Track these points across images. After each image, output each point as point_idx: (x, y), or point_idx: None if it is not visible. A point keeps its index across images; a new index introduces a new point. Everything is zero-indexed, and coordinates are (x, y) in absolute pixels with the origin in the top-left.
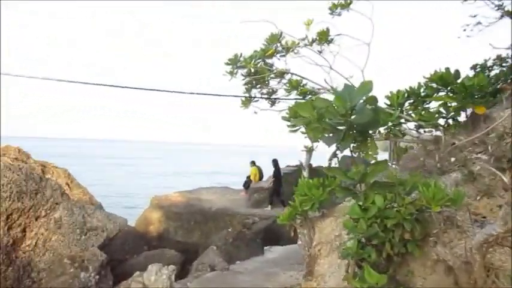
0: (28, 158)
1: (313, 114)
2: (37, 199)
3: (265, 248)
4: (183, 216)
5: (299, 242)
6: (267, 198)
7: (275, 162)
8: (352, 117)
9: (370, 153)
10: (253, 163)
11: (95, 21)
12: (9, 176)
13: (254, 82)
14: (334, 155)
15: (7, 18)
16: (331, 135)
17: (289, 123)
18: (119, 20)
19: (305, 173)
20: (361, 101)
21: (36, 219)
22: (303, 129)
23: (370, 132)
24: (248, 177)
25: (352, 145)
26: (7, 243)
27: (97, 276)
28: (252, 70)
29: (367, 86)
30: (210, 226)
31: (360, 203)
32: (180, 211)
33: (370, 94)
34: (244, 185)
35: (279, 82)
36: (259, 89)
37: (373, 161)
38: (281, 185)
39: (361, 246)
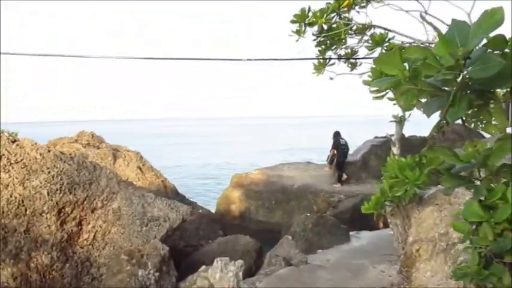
0: (101, 142)
1: (404, 71)
2: (91, 189)
3: (351, 233)
4: (263, 195)
5: (391, 232)
6: (334, 175)
7: (335, 134)
8: (468, 69)
9: (494, 123)
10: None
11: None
12: (60, 166)
13: (328, 42)
14: (438, 128)
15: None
16: (432, 100)
17: (372, 89)
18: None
19: (395, 149)
20: (481, 43)
21: (92, 212)
22: (390, 94)
23: (497, 91)
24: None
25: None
26: (61, 238)
27: (157, 273)
28: (325, 27)
29: (493, 16)
30: (293, 205)
31: (482, 198)
32: (260, 189)
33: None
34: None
35: (359, 40)
36: (334, 50)
37: (496, 136)
38: (344, 157)
39: (484, 263)
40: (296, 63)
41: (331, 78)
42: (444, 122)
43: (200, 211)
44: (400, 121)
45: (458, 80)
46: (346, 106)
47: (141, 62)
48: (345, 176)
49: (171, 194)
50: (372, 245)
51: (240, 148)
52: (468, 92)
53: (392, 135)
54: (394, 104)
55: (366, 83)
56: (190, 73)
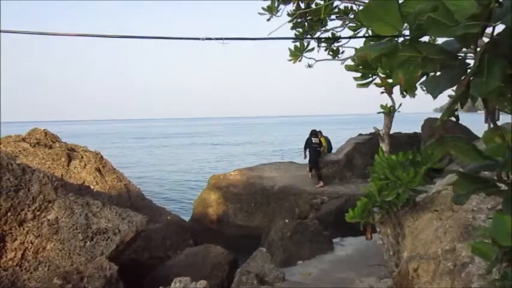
0: (55, 141)
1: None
2: (18, 197)
3: (335, 240)
4: (242, 197)
5: (380, 242)
6: (315, 175)
7: (310, 133)
8: (501, 20)
9: None
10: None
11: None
12: None
13: (306, 24)
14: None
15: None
16: (442, 71)
17: (357, 75)
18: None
19: (384, 145)
20: None
21: (20, 225)
22: (377, 80)
23: None
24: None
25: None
26: None
27: None
28: (302, 5)
29: None
30: (274, 208)
31: None
32: (239, 191)
33: None
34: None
35: (342, 24)
36: (313, 34)
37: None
38: (316, 156)
39: None
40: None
41: (309, 66)
42: (456, 106)
43: (168, 218)
44: (389, 112)
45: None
46: (330, 103)
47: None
48: (321, 183)
49: (136, 199)
50: (358, 254)
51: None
52: (500, 56)
53: (380, 129)
54: (382, 92)
55: (348, 68)
56: (184, 71)
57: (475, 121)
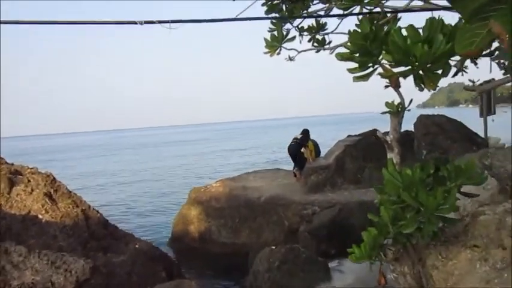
0: None
1: None
2: None
3: (332, 265)
4: (225, 212)
5: (393, 284)
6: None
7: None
8: None
9: None
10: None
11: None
12: None
13: (284, 7)
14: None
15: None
16: None
17: (352, 66)
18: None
19: (393, 155)
20: None
21: None
22: (380, 69)
23: None
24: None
25: None
26: None
27: None
28: None
29: None
30: (260, 221)
31: None
32: (221, 205)
33: None
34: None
35: (328, 7)
36: (293, 20)
37: None
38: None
39: None
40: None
41: (290, 59)
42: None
43: (137, 246)
44: (397, 111)
45: None
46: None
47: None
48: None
49: (96, 227)
50: (361, 284)
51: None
52: None
53: (386, 133)
54: (387, 86)
55: (340, 56)
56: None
57: (461, 115)
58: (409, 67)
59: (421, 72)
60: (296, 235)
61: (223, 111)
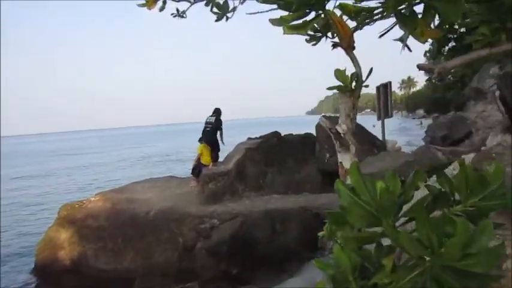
0: None
1: None
2: None
3: None
4: (106, 232)
5: None
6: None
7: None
8: None
9: None
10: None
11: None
12: None
13: None
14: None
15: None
16: None
17: (283, 15)
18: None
19: (348, 157)
20: None
21: None
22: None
23: None
24: (198, 159)
25: None
26: None
27: None
28: None
29: None
30: (149, 240)
31: None
32: (101, 224)
33: None
34: (193, 172)
35: None
36: None
37: None
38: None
39: None
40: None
41: (179, 14)
42: None
43: None
44: (351, 88)
45: None
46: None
47: None
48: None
49: None
50: None
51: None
52: None
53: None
54: (335, 46)
55: (275, 21)
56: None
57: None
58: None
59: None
60: (192, 253)
61: (117, 116)
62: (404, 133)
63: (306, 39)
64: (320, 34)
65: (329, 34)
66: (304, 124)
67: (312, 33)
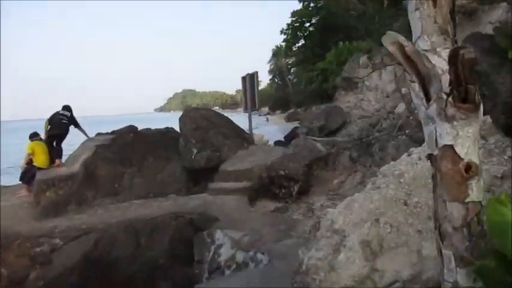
0: None
1: None
2: None
3: None
4: None
5: None
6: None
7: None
8: None
9: None
10: (34, 136)
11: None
12: None
13: None
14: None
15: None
16: None
17: None
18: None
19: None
20: None
21: None
22: None
23: None
24: (29, 161)
25: None
26: None
27: None
28: None
29: None
30: None
31: None
32: None
33: None
34: (22, 178)
35: None
36: None
37: None
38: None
39: None
40: None
41: None
42: None
43: None
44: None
45: None
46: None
47: None
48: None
49: None
50: None
51: None
52: None
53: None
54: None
55: None
56: None
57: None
58: None
59: None
60: None
61: None
62: (254, 129)
63: None
64: None
65: None
66: (154, 121)
67: None
